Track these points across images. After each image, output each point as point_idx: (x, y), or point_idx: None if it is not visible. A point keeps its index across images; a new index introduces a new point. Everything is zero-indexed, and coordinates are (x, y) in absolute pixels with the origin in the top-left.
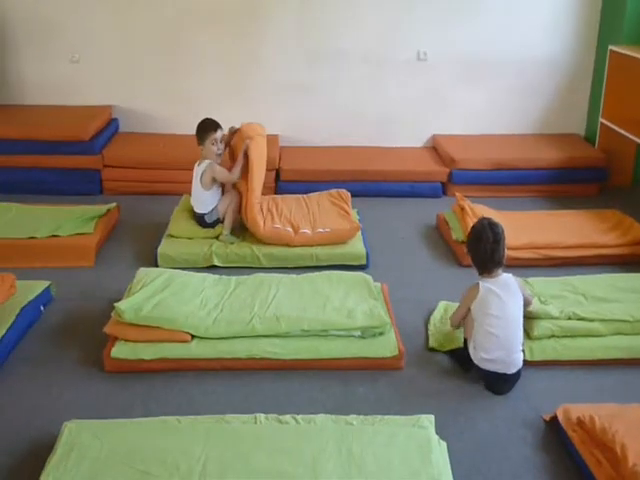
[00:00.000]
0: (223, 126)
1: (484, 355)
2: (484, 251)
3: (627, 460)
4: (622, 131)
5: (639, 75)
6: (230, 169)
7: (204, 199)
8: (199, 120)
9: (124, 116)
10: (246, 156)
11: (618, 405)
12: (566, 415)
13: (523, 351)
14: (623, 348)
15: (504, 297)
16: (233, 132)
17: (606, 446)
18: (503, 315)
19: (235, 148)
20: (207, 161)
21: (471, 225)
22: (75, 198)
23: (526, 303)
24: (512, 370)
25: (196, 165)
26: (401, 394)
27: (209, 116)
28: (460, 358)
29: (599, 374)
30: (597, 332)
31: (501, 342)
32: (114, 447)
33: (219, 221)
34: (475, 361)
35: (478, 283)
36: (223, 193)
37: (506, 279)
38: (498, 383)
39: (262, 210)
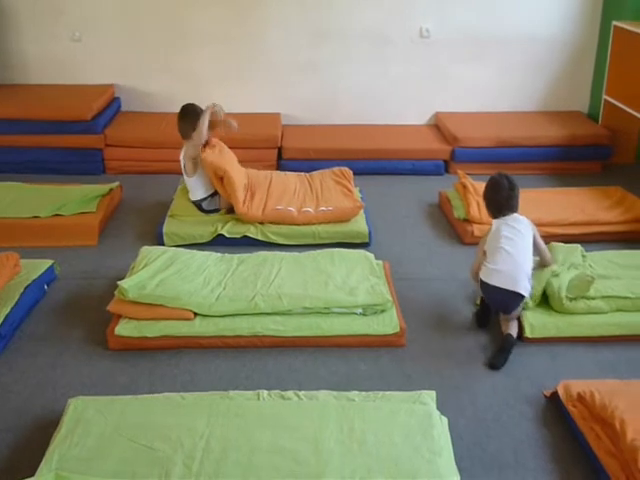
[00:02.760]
0: (222, 105)
1: (492, 266)
2: (501, 197)
3: (626, 435)
4: (626, 108)
5: None
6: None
7: (192, 185)
8: (201, 98)
9: (126, 95)
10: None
11: (618, 381)
12: (566, 391)
13: (525, 300)
14: (624, 325)
15: (516, 226)
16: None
17: (606, 422)
18: (514, 237)
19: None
20: (188, 146)
21: (473, 203)
22: (78, 177)
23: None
24: (517, 289)
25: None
26: (403, 371)
27: (211, 95)
28: (476, 313)
29: (600, 351)
30: (598, 309)
31: (511, 257)
32: (118, 423)
33: (218, 211)
34: (483, 277)
35: (490, 227)
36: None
37: (517, 217)
38: (499, 303)
39: (263, 191)
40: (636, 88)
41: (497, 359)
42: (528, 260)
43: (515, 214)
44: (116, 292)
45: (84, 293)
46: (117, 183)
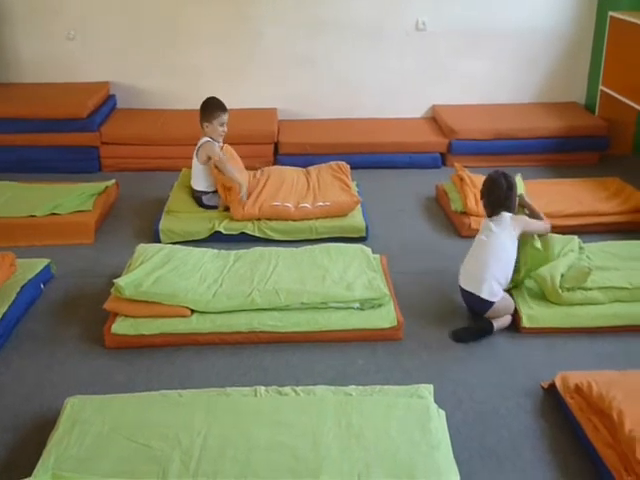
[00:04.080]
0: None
1: (462, 267)
2: (496, 197)
3: (624, 426)
4: (622, 98)
5: (639, 41)
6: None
7: (199, 174)
8: (197, 95)
9: (122, 92)
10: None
11: (616, 372)
12: (564, 382)
13: (510, 293)
14: (622, 315)
15: (494, 228)
16: None
17: (603, 412)
18: (487, 239)
19: None
20: (205, 138)
21: (470, 195)
22: (74, 176)
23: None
24: (480, 293)
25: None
26: (400, 365)
27: (207, 90)
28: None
29: (597, 342)
30: (596, 300)
31: (478, 260)
32: (116, 422)
33: (216, 208)
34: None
35: None
36: None
37: (502, 217)
38: (468, 304)
39: (261, 186)
40: (633, 79)
41: (464, 333)
42: (501, 263)
43: (504, 213)
44: (112, 290)
45: (81, 292)
46: (113, 181)
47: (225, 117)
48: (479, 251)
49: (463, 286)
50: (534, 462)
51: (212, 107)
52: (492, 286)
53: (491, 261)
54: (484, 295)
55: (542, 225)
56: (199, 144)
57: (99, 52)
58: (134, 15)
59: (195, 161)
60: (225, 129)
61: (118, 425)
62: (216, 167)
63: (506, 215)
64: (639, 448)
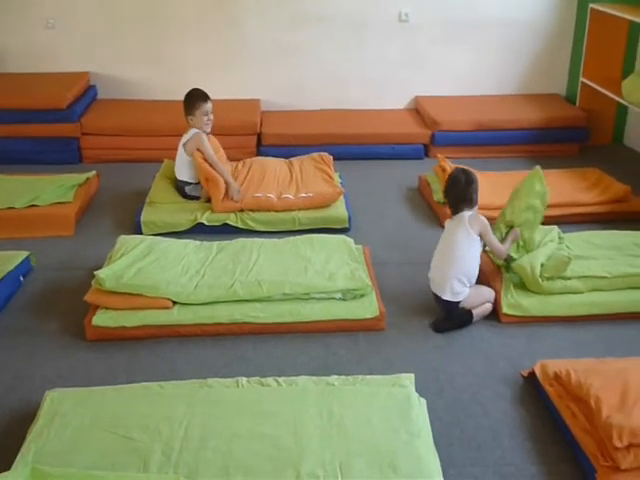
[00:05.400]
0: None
1: (429, 274)
2: (456, 193)
3: (601, 412)
4: (602, 90)
5: (619, 33)
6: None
7: (183, 164)
8: (179, 85)
9: (103, 83)
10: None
11: (594, 360)
12: (543, 370)
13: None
14: (600, 304)
15: (451, 227)
16: None
17: (581, 399)
18: (446, 239)
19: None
20: (195, 130)
21: None
22: (54, 167)
23: (490, 245)
24: (442, 294)
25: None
26: (382, 354)
27: (190, 81)
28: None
29: (577, 330)
30: (575, 289)
31: (436, 262)
32: (96, 414)
33: (198, 199)
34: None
35: None
36: None
37: (460, 216)
38: (440, 307)
39: (243, 177)
40: (612, 70)
41: (444, 323)
42: (460, 262)
43: (462, 212)
44: (93, 282)
45: (61, 284)
46: (94, 172)
47: (207, 106)
48: (439, 253)
49: (432, 289)
50: (514, 449)
51: (193, 99)
52: (453, 286)
53: (449, 261)
54: (446, 297)
55: (497, 244)
56: (188, 135)
57: (79, 41)
58: (114, 4)
59: (181, 151)
60: (210, 117)
61: (98, 418)
62: (206, 161)
63: (465, 214)
64: (616, 434)
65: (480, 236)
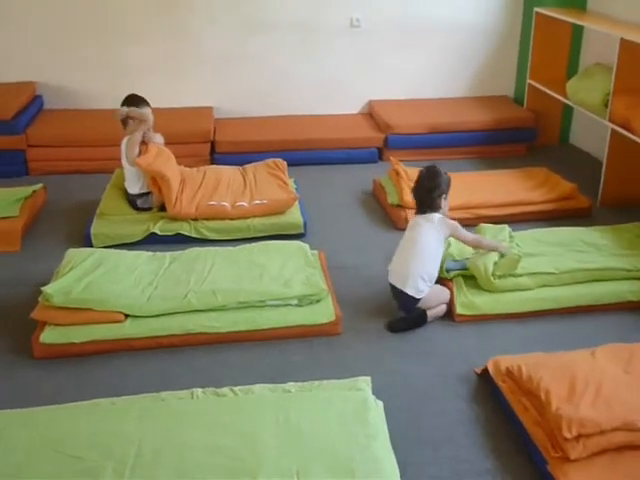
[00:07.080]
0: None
1: (390, 265)
2: (423, 190)
3: (551, 405)
4: (548, 91)
5: (564, 36)
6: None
7: (130, 176)
8: (128, 94)
9: (49, 92)
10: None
11: (543, 354)
12: (496, 367)
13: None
14: (549, 299)
15: (418, 227)
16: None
17: (532, 393)
18: (412, 236)
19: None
20: (127, 137)
21: (406, 189)
22: None
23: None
24: (406, 289)
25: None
26: (339, 359)
27: (140, 90)
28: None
29: (528, 325)
30: (525, 286)
31: (401, 258)
32: (44, 435)
33: (151, 209)
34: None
35: None
36: None
37: (429, 216)
38: (397, 300)
39: (195, 187)
40: (557, 72)
41: (399, 324)
42: (426, 261)
43: (433, 214)
44: (40, 298)
45: (6, 301)
46: (41, 185)
47: (139, 110)
48: (405, 247)
49: (391, 281)
50: (469, 447)
51: (124, 104)
52: (417, 282)
53: (415, 258)
54: (409, 291)
55: (472, 236)
56: (124, 145)
57: (23, 50)
58: (59, 12)
59: (125, 164)
60: (145, 120)
61: (46, 438)
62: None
63: (436, 216)
64: (565, 425)
65: (452, 236)
